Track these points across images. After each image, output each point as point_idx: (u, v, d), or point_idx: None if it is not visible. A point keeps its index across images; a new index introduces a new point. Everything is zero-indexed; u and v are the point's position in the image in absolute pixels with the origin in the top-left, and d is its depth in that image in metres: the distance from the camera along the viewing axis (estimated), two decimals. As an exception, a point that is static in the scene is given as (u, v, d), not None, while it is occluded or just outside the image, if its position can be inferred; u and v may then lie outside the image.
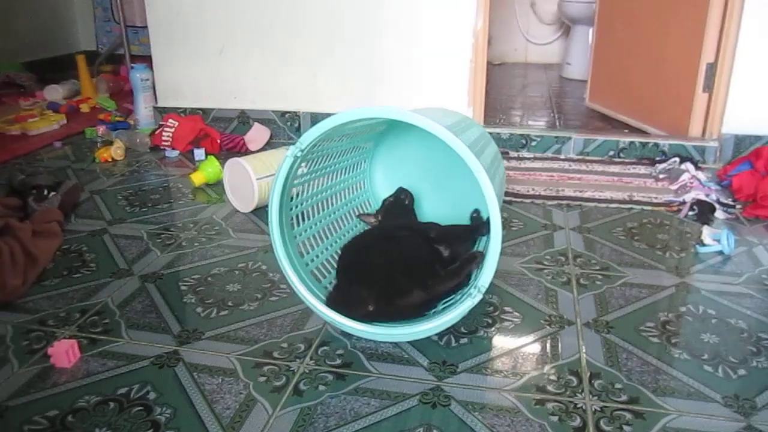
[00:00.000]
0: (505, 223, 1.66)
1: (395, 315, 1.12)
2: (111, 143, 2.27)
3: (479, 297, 1.04)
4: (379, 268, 1.13)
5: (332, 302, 1.13)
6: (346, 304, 1.12)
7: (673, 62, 2.25)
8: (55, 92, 2.98)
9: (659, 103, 2.33)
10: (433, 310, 1.15)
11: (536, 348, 1.12)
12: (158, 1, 2.42)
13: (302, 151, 1.12)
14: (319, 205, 1.35)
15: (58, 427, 0.93)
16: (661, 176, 1.98)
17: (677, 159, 2.06)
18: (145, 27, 2.55)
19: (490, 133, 2.24)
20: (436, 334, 1.15)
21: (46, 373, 1.06)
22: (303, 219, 1.27)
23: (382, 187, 1.58)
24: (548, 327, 1.19)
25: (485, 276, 1.04)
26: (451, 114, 1.37)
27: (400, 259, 1.14)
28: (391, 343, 1.13)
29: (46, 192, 1.73)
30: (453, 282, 1.14)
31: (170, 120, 2.32)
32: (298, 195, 1.26)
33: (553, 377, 1.04)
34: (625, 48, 2.52)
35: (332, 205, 1.40)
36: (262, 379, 1.03)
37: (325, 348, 1.12)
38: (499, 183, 1.32)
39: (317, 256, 1.27)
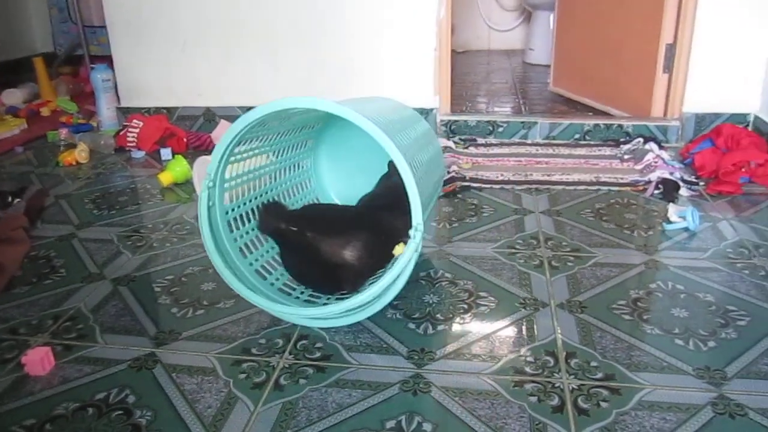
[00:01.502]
0: (476, 209, 1.67)
1: (304, 255, 1.17)
2: (75, 146, 2.23)
3: (419, 234, 1.06)
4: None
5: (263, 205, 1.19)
6: (269, 211, 1.18)
7: (633, 44, 2.28)
8: (13, 96, 2.91)
9: (621, 85, 2.37)
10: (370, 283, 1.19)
11: (512, 331, 1.14)
12: (116, 0, 2.38)
13: (212, 181, 1.17)
14: (259, 207, 1.32)
15: (36, 436, 0.92)
16: (626, 157, 2.02)
17: (641, 139, 2.09)
18: (103, 26, 2.51)
19: (456, 121, 2.27)
20: (414, 323, 1.16)
21: (21, 382, 1.04)
22: (243, 222, 1.27)
23: (329, 185, 1.58)
24: (523, 310, 1.20)
25: (415, 214, 1.06)
26: (391, 106, 1.37)
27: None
28: (365, 329, 1.14)
29: (10, 198, 1.70)
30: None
31: (134, 120, 2.29)
32: (237, 197, 1.27)
33: (530, 359, 1.06)
34: (586, 32, 2.55)
35: None
36: (242, 376, 1.03)
37: (304, 342, 1.12)
38: (435, 182, 1.36)
39: (261, 256, 1.28)
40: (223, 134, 1.15)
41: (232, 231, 1.24)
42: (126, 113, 2.47)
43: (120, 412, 0.96)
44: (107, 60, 2.58)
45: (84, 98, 2.98)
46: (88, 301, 1.28)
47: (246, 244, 1.26)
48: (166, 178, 1.91)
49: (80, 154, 2.18)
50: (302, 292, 1.24)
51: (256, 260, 1.26)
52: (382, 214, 1.27)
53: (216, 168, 1.18)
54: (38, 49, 3.88)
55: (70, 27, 3.60)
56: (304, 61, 2.33)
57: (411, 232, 1.07)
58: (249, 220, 1.29)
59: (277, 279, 1.26)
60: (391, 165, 1.28)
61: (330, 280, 1.18)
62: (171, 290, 1.31)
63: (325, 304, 1.20)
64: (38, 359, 1.05)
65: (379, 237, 1.20)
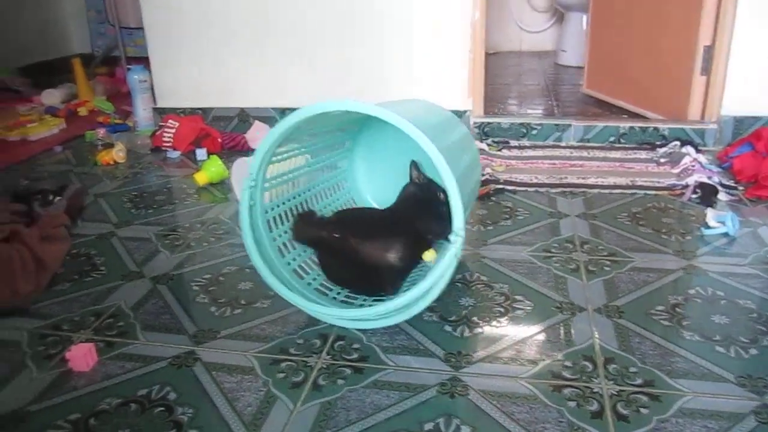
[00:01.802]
0: (511, 212, 1.67)
1: (348, 260, 1.17)
2: (112, 146, 2.27)
3: (460, 240, 1.07)
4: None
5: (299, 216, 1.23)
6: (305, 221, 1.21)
7: (669, 46, 2.26)
8: (52, 96, 2.97)
9: (657, 87, 2.34)
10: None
11: (549, 335, 1.13)
12: (153, 2, 2.42)
13: (254, 181, 1.19)
14: (298, 206, 1.35)
15: (81, 430, 0.94)
16: (662, 160, 2.00)
17: (678, 143, 2.07)
18: (140, 28, 2.55)
19: (489, 124, 2.27)
20: (450, 325, 1.16)
21: (65, 377, 1.06)
22: (282, 222, 1.29)
23: (365, 187, 1.59)
24: (560, 314, 1.20)
25: (456, 219, 1.07)
26: (430, 109, 1.37)
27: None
28: (401, 331, 1.14)
29: (51, 197, 1.73)
30: None
31: (170, 121, 2.32)
32: (276, 197, 1.29)
33: (567, 363, 1.05)
34: (621, 33, 2.52)
35: (312, 207, 1.41)
36: (281, 375, 1.04)
37: (341, 343, 1.13)
38: (473, 186, 1.37)
39: (299, 255, 1.29)
40: (265, 135, 1.16)
41: (270, 230, 1.25)
42: (162, 114, 2.51)
43: (162, 408, 0.98)
44: (143, 61, 2.62)
45: (120, 99, 3.03)
46: (129, 298, 1.31)
47: (284, 244, 1.27)
48: (201, 178, 1.93)
49: (118, 153, 2.22)
50: (338, 293, 1.25)
51: (294, 260, 1.27)
52: (414, 217, 1.27)
53: (258, 168, 1.19)
54: (75, 50, 3.96)
55: (108, 29, 3.67)
56: (336, 62, 2.34)
57: (452, 237, 1.07)
58: (287, 220, 1.31)
59: (314, 279, 1.27)
60: (412, 168, 1.29)
61: (370, 281, 1.18)
62: (209, 289, 1.33)
63: (361, 305, 1.20)
64: (81, 355, 1.08)
65: (413, 240, 1.21)
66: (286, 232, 1.29)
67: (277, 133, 1.14)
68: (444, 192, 1.12)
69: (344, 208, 1.49)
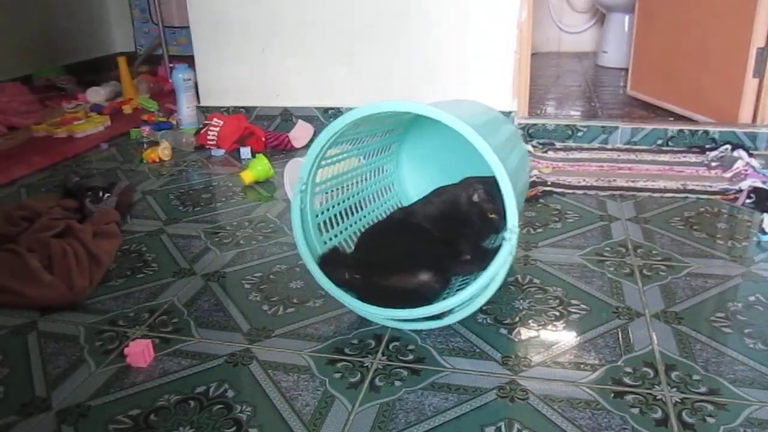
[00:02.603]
0: (560, 215, 1.64)
1: (379, 294, 1.15)
2: (157, 144, 2.30)
3: (515, 237, 1.06)
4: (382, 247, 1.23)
5: (321, 259, 1.20)
6: (331, 263, 1.19)
7: (720, 48, 2.21)
8: (97, 94, 3.02)
9: (706, 89, 2.29)
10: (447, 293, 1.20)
11: (607, 340, 1.11)
12: (199, 2, 2.44)
13: (305, 185, 1.20)
14: (347, 210, 1.37)
15: (141, 426, 0.94)
16: (713, 164, 1.95)
17: (729, 146, 2.02)
18: (182, 27, 2.59)
19: (534, 125, 2.24)
20: (505, 328, 1.15)
21: (124, 372, 1.07)
22: (332, 224, 1.31)
23: (412, 189, 1.58)
24: (617, 319, 1.18)
25: (510, 216, 1.06)
26: (480, 109, 1.36)
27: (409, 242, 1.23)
28: (456, 333, 1.13)
29: (101, 193, 1.76)
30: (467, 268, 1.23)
31: (215, 119, 2.34)
32: (327, 200, 1.30)
33: (628, 369, 1.03)
34: (669, 34, 2.48)
35: (360, 210, 1.42)
36: (337, 375, 1.04)
37: (396, 343, 1.12)
38: (522, 185, 1.34)
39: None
40: (310, 135, 1.16)
41: (321, 234, 1.26)
42: (205, 112, 2.53)
43: (221, 406, 0.98)
44: (185, 60, 2.65)
45: (163, 97, 3.07)
46: (181, 295, 1.32)
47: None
48: (247, 176, 1.94)
49: (163, 151, 2.24)
50: None
51: None
52: (440, 225, 1.27)
53: (309, 171, 1.19)
54: (117, 49, 4.02)
55: (151, 28, 3.72)
56: (381, 62, 2.34)
57: (506, 235, 1.06)
58: (338, 223, 1.32)
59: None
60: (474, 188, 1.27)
61: (410, 301, 1.14)
62: (260, 287, 1.33)
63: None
64: (140, 351, 1.09)
65: (443, 256, 1.21)
66: (336, 236, 1.30)
67: (329, 135, 1.14)
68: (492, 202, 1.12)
69: (377, 221, 1.45)
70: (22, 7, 3.43)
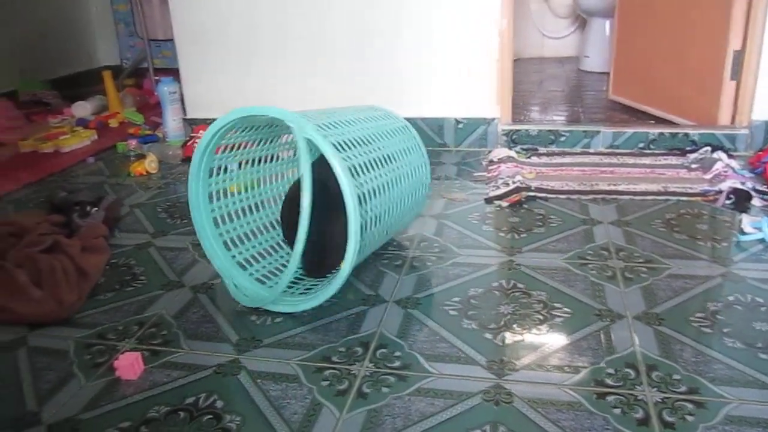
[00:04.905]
0: (543, 220, 1.67)
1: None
2: (144, 157, 2.31)
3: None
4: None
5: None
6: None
7: (698, 51, 2.25)
8: (83, 109, 3.02)
9: (686, 92, 2.33)
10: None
11: (590, 342, 1.14)
12: (183, 15, 2.46)
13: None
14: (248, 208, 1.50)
15: (132, 438, 0.96)
16: (693, 166, 1.99)
17: (708, 148, 2.06)
18: (167, 41, 2.59)
19: (518, 131, 2.27)
20: (490, 333, 1.17)
21: (114, 385, 1.08)
22: (232, 219, 1.44)
23: None
24: (599, 321, 1.20)
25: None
26: (356, 115, 1.42)
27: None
28: (442, 339, 1.15)
29: (89, 208, 1.76)
30: None
31: (201, 131, 2.35)
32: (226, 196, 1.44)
33: (610, 371, 1.05)
34: (648, 39, 2.52)
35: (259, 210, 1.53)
36: (325, 383, 1.05)
37: (383, 350, 1.14)
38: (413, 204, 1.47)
39: (246, 250, 1.44)
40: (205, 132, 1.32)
41: (218, 227, 1.39)
42: (192, 124, 2.54)
43: (210, 416, 0.99)
44: (171, 72, 2.67)
45: (148, 110, 3.07)
46: (170, 307, 1.33)
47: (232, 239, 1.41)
48: (235, 187, 1.95)
49: (150, 164, 2.25)
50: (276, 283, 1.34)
51: (240, 253, 1.41)
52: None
53: (198, 165, 1.36)
54: (102, 63, 4.03)
55: (136, 41, 3.73)
56: (364, 75, 2.36)
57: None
58: (238, 218, 1.45)
59: (257, 270, 1.41)
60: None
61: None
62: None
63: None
64: (129, 364, 1.10)
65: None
66: (235, 229, 1.44)
67: (202, 146, 1.33)
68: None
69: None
70: (5, 22, 3.43)
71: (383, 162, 1.33)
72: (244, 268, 1.39)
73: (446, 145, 2.36)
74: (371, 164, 1.29)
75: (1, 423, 1.01)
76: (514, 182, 1.87)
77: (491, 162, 2.11)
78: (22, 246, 1.52)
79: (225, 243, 1.39)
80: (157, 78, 2.95)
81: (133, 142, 2.52)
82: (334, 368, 1.09)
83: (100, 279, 1.47)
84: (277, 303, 1.27)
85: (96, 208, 1.77)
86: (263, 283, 1.38)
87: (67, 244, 1.51)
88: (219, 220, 1.41)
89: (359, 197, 1.20)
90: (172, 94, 2.57)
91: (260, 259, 1.45)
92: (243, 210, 1.48)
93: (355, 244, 1.16)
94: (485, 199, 1.82)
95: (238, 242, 1.42)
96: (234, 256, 1.39)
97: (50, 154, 2.50)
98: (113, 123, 2.88)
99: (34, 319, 1.30)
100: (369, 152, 1.31)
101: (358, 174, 1.23)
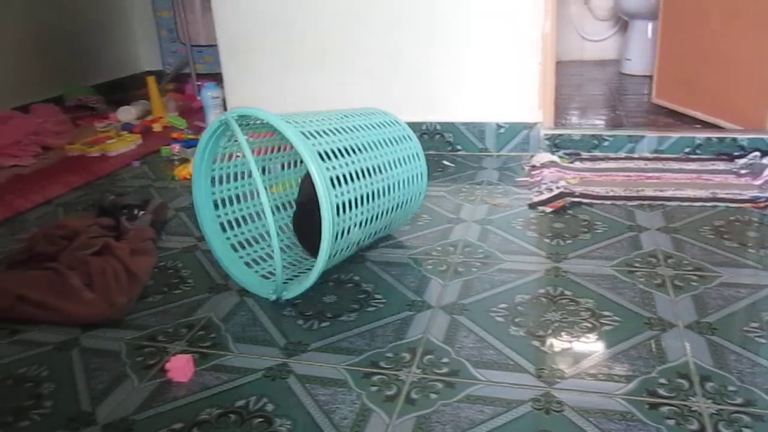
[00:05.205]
0: (589, 226, 1.65)
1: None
2: (188, 161, 2.34)
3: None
4: None
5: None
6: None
7: (746, 54, 2.20)
8: (128, 113, 3.08)
9: (732, 96, 2.28)
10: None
11: (640, 351, 1.12)
12: (227, 22, 2.49)
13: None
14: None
15: (185, 439, 0.97)
16: (742, 172, 1.95)
17: (758, 153, 2.01)
18: (209, 46, 2.63)
19: (560, 135, 2.25)
20: (538, 340, 1.16)
21: (165, 387, 1.10)
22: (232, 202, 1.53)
23: None
24: (649, 330, 1.18)
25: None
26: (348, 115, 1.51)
27: None
28: (489, 346, 1.14)
29: (136, 211, 1.80)
30: None
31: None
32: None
33: (662, 381, 1.04)
34: (693, 41, 2.47)
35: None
36: (374, 389, 1.06)
37: (430, 357, 1.14)
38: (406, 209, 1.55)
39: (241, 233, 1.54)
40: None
41: (217, 208, 1.49)
42: (233, 129, 2.57)
43: (261, 419, 1.00)
44: (212, 77, 2.71)
45: (191, 114, 3.12)
46: (218, 310, 1.35)
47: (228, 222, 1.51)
48: (278, 189, 1.97)
49: (194, 168, 2.28)
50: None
51: (235, 236, 1.52)
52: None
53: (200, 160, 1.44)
54: (144, 68, 4.11)
55: (178, 47, 3.80)
56: (405, 79, 2.36)
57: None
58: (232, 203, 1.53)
59: (248, 254, 1.51)
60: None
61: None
62: (294, 302, 1.36)
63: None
64: (181, 366, 1.12)
65: None
66: (234, 212, 1.53)
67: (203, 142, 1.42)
68: None
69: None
70: (51, 28, 3.52)
71: (368, 173, 1.39)
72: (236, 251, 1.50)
73: (487, 149, 2.35)
74: (356, 174, 1.35)
75: (59, 422, 1.03)
76: (557, 187, 1.85)
77: (533, 167, 2.10)
78: (74, 249, 1.55)
79: (221, 224, 1.50)
80: (198, 83, 2.99)
81: (176, 147, 2.57)
82: (381, 374, 1.10)
83: (148, 281, 1.50)
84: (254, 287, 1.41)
85: (143, 212, 1.80)
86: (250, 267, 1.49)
87: (116, 247, 1.55)
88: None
89: (338, 206, 1.28)
90: (215, 98, 2.61)
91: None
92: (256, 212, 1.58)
93: (325, 258, 1.27)
94: (528, 205, 1.80)
95: (235, 225, 1.53)
96: (229, 238, 1.50)
97: (97, 157, 2.56)
98: (157, 127, 2.93)
99: (86, 321, 1.33)
100: (354, 162, 1.37)
101: (339, 185, 1.30)
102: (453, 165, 2.24)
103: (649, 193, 1.82)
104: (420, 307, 1.30)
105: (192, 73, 3.22)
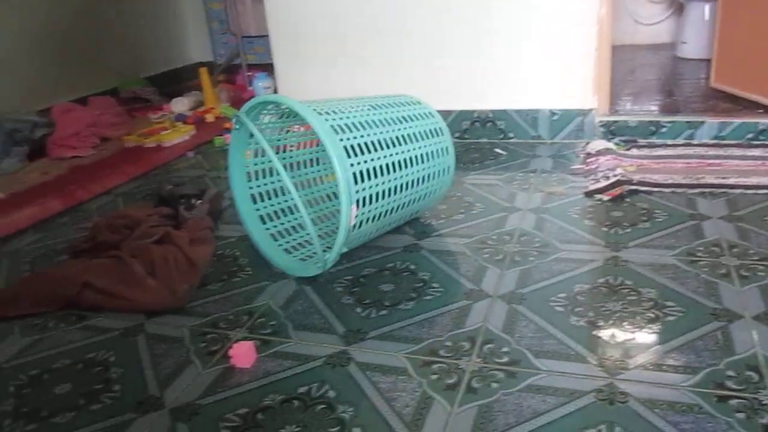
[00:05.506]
0: (648, 214, 1.62)
1: None
2: (241, 151, 2.37)
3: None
4: None
5: None
6: None
7: (813, 36, 2.12)
8: (181, 104, 3.14)
9: (798, 79, 2.20)
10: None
11: (706, 343, 1.09)
12: (279, 14, 2.51)
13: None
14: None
15: (250, 424, 0.99)
16: (809, 158, 1.88)
17: (825, 139, 1.94)
18: (260, 36, 2.66)
19: (616, 122, 2.20)
20: (600, 330, 1.15)
21: (229, 373, 1.13)
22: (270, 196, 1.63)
23: None
24: (715, 321, 1.15)
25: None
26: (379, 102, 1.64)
27: None
28: (550, 335, 1.13)
29: (193, 200, 1.84)
30: None
31: (295, 126, 2.39)
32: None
33: (730, 373, 1.01)
34: (756, 22, 2.38)
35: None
36: (434, 377, 1.06)
37: (490, 346, 1.13)
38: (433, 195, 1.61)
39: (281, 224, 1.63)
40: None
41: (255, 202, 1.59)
42: (285, 119, 2.60)
43: (323, 406, 1.02)
44: (263, 68, 2.73)
45: (242, 105, 3.15)
46: (277, 298, 1.37)
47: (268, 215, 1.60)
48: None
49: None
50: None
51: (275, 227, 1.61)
52: None
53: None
54: (195, 59, 4.17)
55: (228, 38, 3.84)
56: (461, 66, 2.34)
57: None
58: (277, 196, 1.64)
59: (288, 242, 1.59)
60: None
61: None
62: (352, 290, 1.37)
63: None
64: (243, 353, 1.14)
65: None
66: (272, 205, 1.64)
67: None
68: None
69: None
70: (106, 22, 3.60)
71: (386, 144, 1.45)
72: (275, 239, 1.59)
73: (540, 137, 2.32)
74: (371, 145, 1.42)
75: (127, 405, 1.06)
76: (614, 175, 1.82)
77: (589, 154, 2.06)
78: (135, 237, 1.60)
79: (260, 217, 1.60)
80: (249, 73, 3.03)
81: (229, 137, 2.60)
82: (441, 362, 1.10)
83: (208, 269, 1.53)
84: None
85: (200, 201, 1.84)
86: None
87: (176, 235, 1.58)
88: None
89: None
90: (266, 89, 2.64)
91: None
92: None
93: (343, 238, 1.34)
94: (585, 193, 1.78)
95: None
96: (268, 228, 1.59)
97: (153, 148, 2.62)
98: (209, 118, 2.98)
99: (149, 308, 1.36)
100: (369, 135, 1.44)
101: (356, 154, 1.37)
102: (505, 153, 2.22)
103: (711, 180, 1.77)
104: (478, 296, 1.30)
105: (243, 64, 3.25)
